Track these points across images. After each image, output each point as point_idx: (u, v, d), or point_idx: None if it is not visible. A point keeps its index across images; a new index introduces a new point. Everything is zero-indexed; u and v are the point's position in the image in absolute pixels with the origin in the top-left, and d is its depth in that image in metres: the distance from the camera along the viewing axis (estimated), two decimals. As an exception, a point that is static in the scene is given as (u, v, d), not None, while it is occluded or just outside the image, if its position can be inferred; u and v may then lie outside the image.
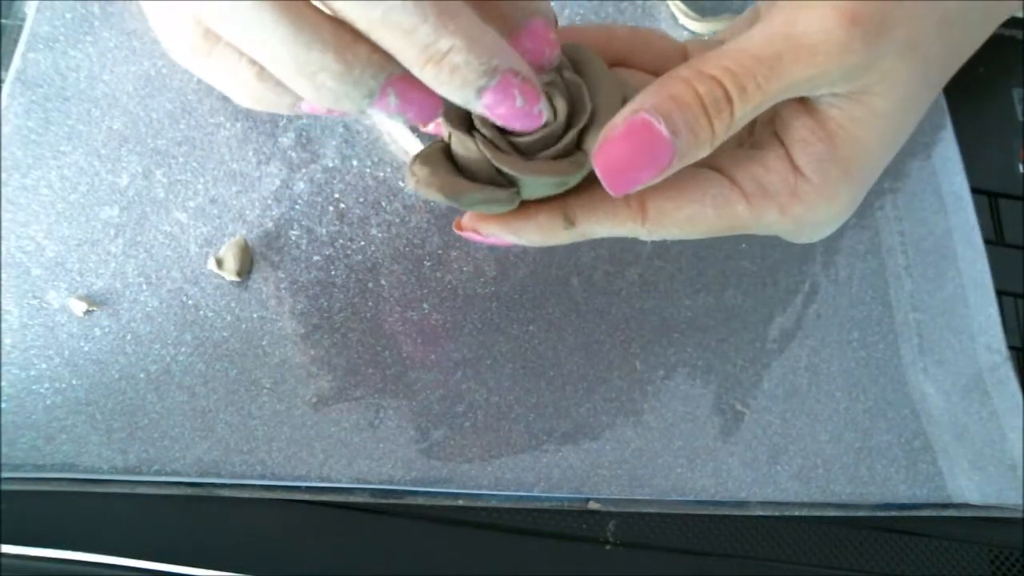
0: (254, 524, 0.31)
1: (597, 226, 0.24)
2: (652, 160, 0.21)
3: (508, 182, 0.23)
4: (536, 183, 0.23)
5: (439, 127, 0.25)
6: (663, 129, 0.21)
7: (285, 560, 0.31)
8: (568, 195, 0.24)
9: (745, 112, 0.21)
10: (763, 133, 0.25)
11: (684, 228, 0.24)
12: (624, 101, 0.23)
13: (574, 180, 0.24)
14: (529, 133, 0.23)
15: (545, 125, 0.22)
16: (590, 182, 0.23)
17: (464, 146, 0.23)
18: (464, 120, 0.23)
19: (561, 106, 0.23)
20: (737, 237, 0.38)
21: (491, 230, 0.24)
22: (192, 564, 0.30)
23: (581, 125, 0.23)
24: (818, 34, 0.21)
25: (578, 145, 0.23)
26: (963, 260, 0.39)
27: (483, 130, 0.23)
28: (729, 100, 0.21)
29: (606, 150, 0.21)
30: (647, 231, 0.24)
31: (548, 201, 0.24)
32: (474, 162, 0.23)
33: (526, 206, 0.24)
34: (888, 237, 0.40)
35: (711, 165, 0.25)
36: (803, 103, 0.23)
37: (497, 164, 0.23)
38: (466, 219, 0.25)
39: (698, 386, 0.35)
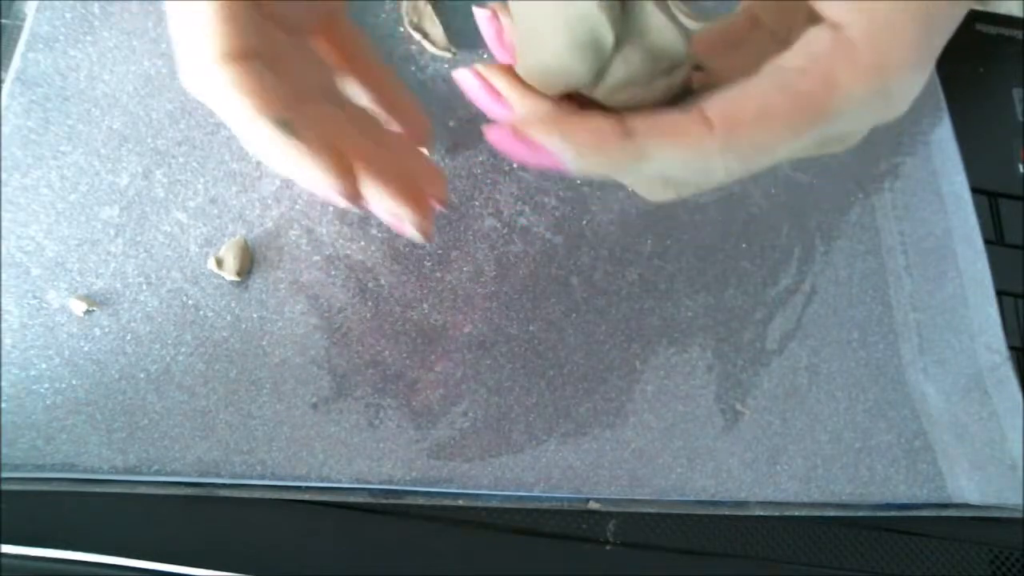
0: (254, 524, 0.31)
1: (660, 140, 0.21)
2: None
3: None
4: (650, 18, 0.21)
5: None
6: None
7: (285, 560, 0.31)
8: (623, 113, 0.22)
9: None
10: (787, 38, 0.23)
11: (760, 129, 0.21)
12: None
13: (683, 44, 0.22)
14: None
15: None
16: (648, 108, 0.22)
17: None
18: None
19: None
20: (737, 236, 0.38)
21: (536, 130, 0.22)
22: (192, 564, 0.30)
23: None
24: None
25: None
26: (963, 260, 0.39)
27: None
28: None
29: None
30: (720, 143, 0.21)
31: (607, 127, 0.22)
32: None
33: (579, 111, 0.22)
34: (888, 237, 0.40)
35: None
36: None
37: None
38: (518, 126, 0.22)
39: (698, 386, 0.35)
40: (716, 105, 0.22)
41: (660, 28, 0.21)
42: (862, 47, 0.22)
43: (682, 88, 0.23)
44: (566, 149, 0.21)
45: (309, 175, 0.25)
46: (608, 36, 0.21)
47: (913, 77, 0.23)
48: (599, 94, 0.22)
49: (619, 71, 0.22)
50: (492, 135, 0.22)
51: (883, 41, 0.22)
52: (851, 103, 0.22)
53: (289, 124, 0.24)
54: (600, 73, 0.22)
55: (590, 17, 0.20)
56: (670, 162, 0.22)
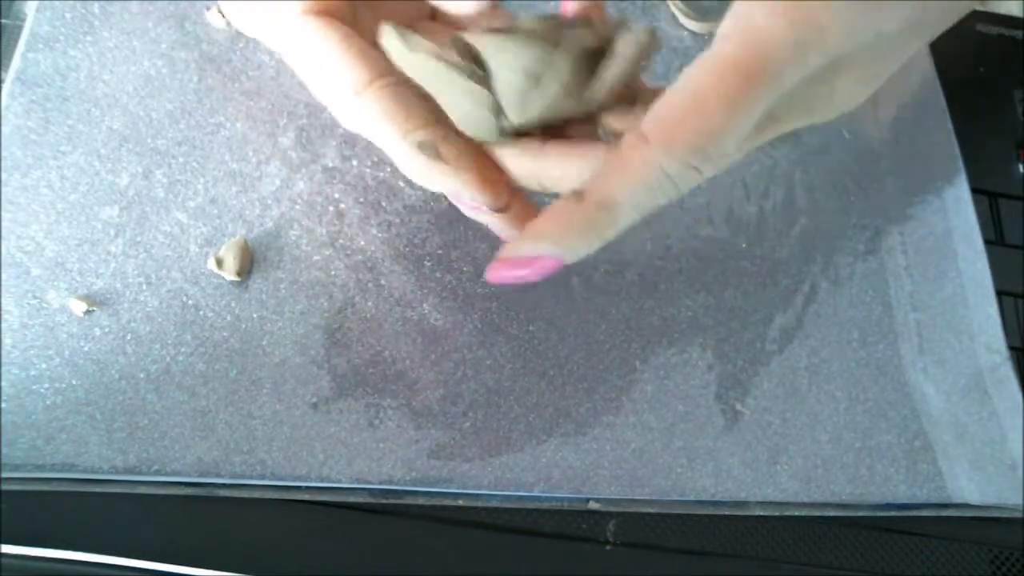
0: (254, 524, 0.31)
1: (609, 179, 0.22)
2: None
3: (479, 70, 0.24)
4: (503, 56, 0.23)
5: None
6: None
7: (285, 560, 0.31)
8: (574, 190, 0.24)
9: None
10: None
11: (697, 120, 0.20)
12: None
13: (541, 60, 0.24)
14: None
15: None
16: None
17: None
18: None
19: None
20: (736, 237, 0.38)
21: (524, 247, 0.24)
22: (192, 564, 0.30)
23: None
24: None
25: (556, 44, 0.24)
26: (963, 260, 0.39)
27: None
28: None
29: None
30: (661, 151, 0.20)
31: (560, 203, 0.24)
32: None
33: (540, 216, 0.24)
34: (888, 237, 0.40)
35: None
36: None
37: (460, 34, 0.24)
38: (500, 255, 0.25)
39: (698, 386, 0.35)
40: (648, 116, 0.21)
41: (501, 66, 0.24)
42: None
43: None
44: (558, 249, 0.23)
45: (457, 192, 0.25)
46: (480, 79, 0.24)
47: (848, 14, 0.20)
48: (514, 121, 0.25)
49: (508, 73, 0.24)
50: (493, 276, 0.24)
51: None
52: (781, 51, 0.20)
53: (430, 146, 0.24)
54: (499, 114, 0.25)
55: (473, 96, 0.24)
56: (633, 192, 0.22)
